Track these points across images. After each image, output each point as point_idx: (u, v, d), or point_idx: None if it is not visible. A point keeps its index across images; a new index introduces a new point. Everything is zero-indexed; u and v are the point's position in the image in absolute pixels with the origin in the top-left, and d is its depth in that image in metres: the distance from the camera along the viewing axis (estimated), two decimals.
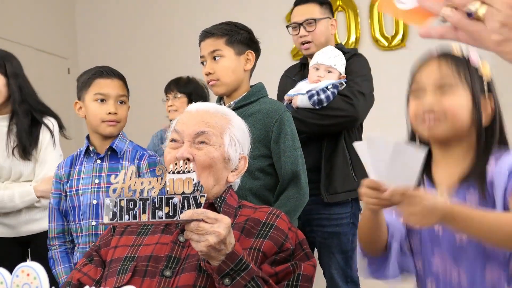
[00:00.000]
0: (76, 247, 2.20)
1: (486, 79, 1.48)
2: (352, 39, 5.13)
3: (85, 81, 2.21)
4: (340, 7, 5.15)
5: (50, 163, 2.62)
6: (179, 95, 3.08)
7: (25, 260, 2.67)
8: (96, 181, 2.17)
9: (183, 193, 1.28)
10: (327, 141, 2.52)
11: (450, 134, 1.45)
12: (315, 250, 2.66)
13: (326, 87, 2.45)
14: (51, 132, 2.64)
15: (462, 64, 1.46)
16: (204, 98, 3.09)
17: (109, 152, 2.22)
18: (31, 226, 2.62)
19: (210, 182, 1.55)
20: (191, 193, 1.28)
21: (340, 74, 2.53)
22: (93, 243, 2.01)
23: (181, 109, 3.01)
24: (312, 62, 2.57)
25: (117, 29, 5.48)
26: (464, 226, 1.29)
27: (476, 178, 1.40)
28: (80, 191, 2.18)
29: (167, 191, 1.30)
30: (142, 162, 2.20)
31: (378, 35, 5.08)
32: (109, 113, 2.17)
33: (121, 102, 2.22)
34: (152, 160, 2.20)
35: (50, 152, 2.64)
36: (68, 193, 2.21)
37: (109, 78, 2.20)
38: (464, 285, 1.40)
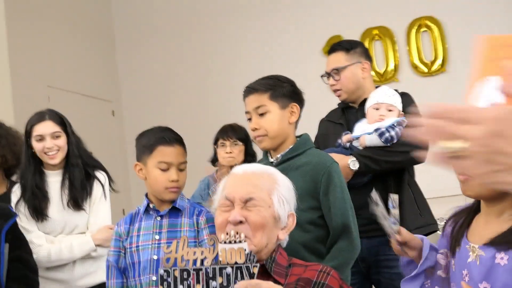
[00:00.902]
0: None
1: None
2: (391, 67, 5.11)
3: (147, 145, 2.22)
4: (377, 36, 5.15)
5: (103, 214, 2.69)
6: (239, 142, 3.06)
7: None
8: (157, 237, 2.19)
9: (236, 263, 1.30)
10: (392, 179, 2.52)
11: (482, 193, 1.47)
12: None
13: (393, 124, 2.46)
14: (102, 186, 2.71)
15: None
16: (251, 145, 3.10)
17: (168, 210, 2.25)
18: (86, 280, 2.65)
19: (264, 242, 1.57)
20: (244, 263, 1.30)
21: (399, 111, 2.55)
22: None
23: (238, 156, 3.03)
24: (370, 103, 2.58)
25: (158, 71, 5.61)
26: None
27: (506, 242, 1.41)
28: (140, 247, 2.20)
29: (220, 260, 1.32)
30: (200, 218, 2.21)
31: (417, 61, 5.04)
32: (172, 180, 2.19)
33: (182, 170, 2.24)
34: (210, 216, 2.19)
35: (103, 203, 2.70)
36: (128, 250, 2.23)
37: (171, 145, 2.20)
38: None
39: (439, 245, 1.65)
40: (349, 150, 2.53)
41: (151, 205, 2.25)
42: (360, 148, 2.51)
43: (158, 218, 2.23)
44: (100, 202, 2.69)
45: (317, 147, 2.70)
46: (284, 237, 1.65)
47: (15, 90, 3.94)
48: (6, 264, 2.28)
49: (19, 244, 2.36)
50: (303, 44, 5.29)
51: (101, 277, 2.63)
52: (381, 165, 2.45)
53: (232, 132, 3.09)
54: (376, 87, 2.73)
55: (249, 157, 3.07)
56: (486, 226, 1.49)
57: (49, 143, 2.61)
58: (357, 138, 2.54)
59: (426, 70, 5.02)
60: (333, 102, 2.95)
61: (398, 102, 2.55)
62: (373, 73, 5.05)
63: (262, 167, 1.72)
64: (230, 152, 3.04)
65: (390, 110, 2.53)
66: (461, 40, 4.89)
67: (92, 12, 5.51)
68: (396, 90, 2.73)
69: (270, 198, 1.61)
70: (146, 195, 2.27)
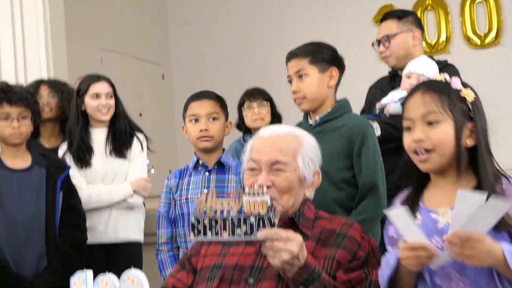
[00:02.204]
0: (182, 250, 2.40)
1: (469, 102, 1.53)
2: (443, 38, 5.01)
3: (184, 107, 2.50)
4: (429, 6, 5.06)
5: (141, 167, 2.89)
6: (265, 103, 3.08)
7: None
8: (205, 191, 2.37)
9: (258, 214, 1.41)
10: None
11: (443, 163, 1.51)
12: None
13: None
14: (141, 143, 2.92)
15: (445, 92, 1.52)
16: (275, 107, 3.14)
17: (216, 166, 2.43)
18: (119, 234, 2.82)
19: (290, 203, 1.67)
20: (266, 214, 1.41)
21: None
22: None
23: (267, 117, 3.06)
24: (404, 71, 2.64)
25: (208, 36, 5.69)
26: None
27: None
28: (189, 200, 2.40)
29: (244, 211, 1.43)
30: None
31: (470, 33, 4.93)
32: (201, 130, 2.38)
33: (213, 119, 2.40)
34: None
35: (141, 157, 2.91)
36: (177, 202, 2.44)
37: (198, 100, 2.44)
38: None
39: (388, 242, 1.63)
40: (378, 117, 2.58)
41: (200, 161, 2.43)
42: (387, 115, 2.56)
43: (207, 174, 2.42)
44: (139, 156, 2.89)
45: (363, 112, 2.77)
46: (310, 194, 1.74)
47: (70, 51, 4.09)
48: (60, 212, 2.48)
49: (71, 194, 2.57)
50: (355, 13, 5.25)
51: (132, 235, 2.84)
52: (401, 132, 2.50)
53: (258, 93, 3.11)
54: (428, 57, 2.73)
55: (275, 118, 3.10)
56: (445, 193, 1.52)
57: (104, 101, 2.84)
58: (385, 105, 2.59)
59: (479, 42, 4.91)
60: (384, 71, 2.98)
61: (431, 73, 2.57)
62: (423, 43, 4.99)
63: (287, 128, 1.78)
64: (259, 114, 3.06)
65: (421, 80, 2.56)
66: None
67: None
68: (441, 62, 2.73)
69: (295, 161, 1.68)
70: (195, 153, 2.46)
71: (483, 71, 4.76)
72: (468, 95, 1.53)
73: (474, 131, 1.52)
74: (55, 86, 3.08)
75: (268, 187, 1.60)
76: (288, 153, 1.68)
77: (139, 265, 2.79)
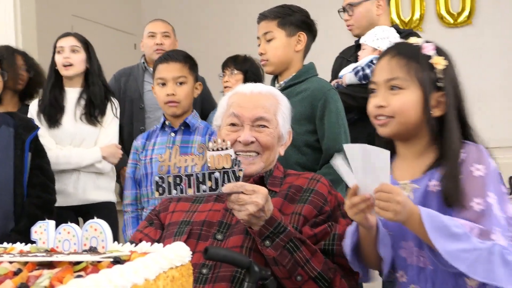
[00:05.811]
0: (145, 211, 2.42)
1: (438, 70, 1.47)
2: (417, 16, 5.03)
3: (153, 67, 2.47)
4: None
5: (113, 132, 2.85)
6: (235, 71, 3.13)
7: None
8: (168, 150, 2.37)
9: (223, 168, 1.40)
10: None
11: (402, 130, 1.48)
12: None
13: (371, 61, 2.51)
14: (116, 108, 2.88)
15: (413, 57, 1.46)
16: (259, 77, 3.14)
17: (182, 127, 2.42)
18: (88, 195, 2.80)
19: (270, 160, 1.70)
20: (230, 168, 1.41)
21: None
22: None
23: (235, 86, 3.07)
24: (361, 40, 2.64)
25: (181, 7, 5.61)
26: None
27: (439, 167, 1.45)
28: (153, 160, 2.41)
29: (209, 166, 1.42)
30: (213, 138, 2.34)
31: (443, 12, 4.95)
32: (167, 94, 2.36)
33: (181, 83, 2.35)
34: None
35: (114, 124, 2.87)
36: (142, 162, 2.44)
37: (166, 62, 2.40)
38: (430, 270, 1.46)
39: None
40: (336, 89, 2.60)
41: (166, 122, 2.43)
42: (344, 86, 2.58)
43: (172, 134, 2.43)
44: (111, 122, 2.85)
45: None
46: (283, 152, 1.77)
47: (40, 17, 3.99)
48: (28, 172, 2.43)
49: (40, 155, 2.52)
50: None
51: (103, 196, 2.82)
52: (358, 102, 2.53)
53: (231, 62, 3.16)
54: (393, 26, 2.73)
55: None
56: (409, 166, 1.51)
57: (67, 54, 2.79)
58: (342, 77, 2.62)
59: (452, 21, 4.94)
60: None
61: (384, 47, 2.57)
62: (397, 20, 5.00)
63: (267, 87, 1.80)
64: (227, 81, 3.13)
65: (375, 49, 2.58)
66: None
67: None
68: (406, 30, 2.74)
69: (276, 118, 1.71)
70: (164, 114, 2.47)
71: (456, 49, 4.77)
72: (438, 63, 1.46)
73: (443, 101, 1.46)
74: (29, 61, 3.03)
75: (251, 142, 1.64)
76: (270, 110, 1.70)
77: (114, 224, 2.78)
